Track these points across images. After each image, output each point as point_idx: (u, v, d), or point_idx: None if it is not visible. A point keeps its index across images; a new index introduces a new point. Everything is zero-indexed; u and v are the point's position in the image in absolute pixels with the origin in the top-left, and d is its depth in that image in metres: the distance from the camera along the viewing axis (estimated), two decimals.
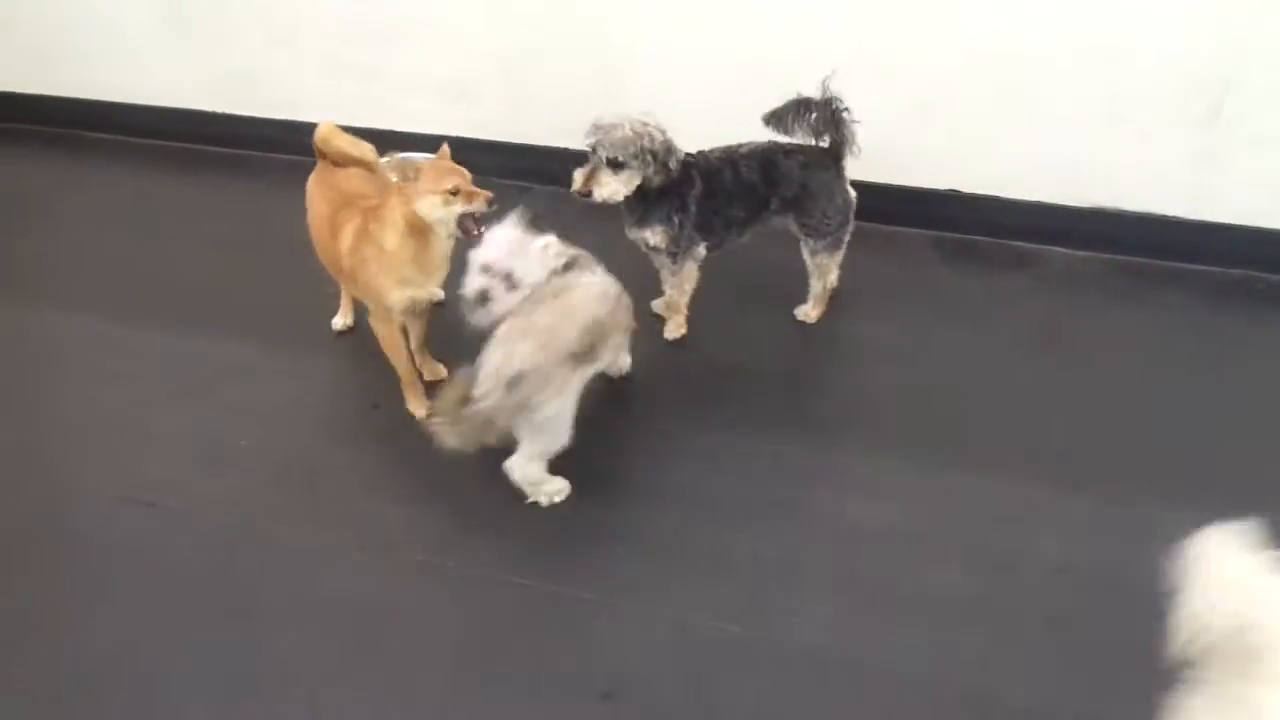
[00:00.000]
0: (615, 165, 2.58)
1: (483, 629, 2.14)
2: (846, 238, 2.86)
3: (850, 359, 2.86)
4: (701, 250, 2.82)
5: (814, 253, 2.85)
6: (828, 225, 2.79)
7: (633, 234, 2.79)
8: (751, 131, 2.73)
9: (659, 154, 2.60)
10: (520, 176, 3.63)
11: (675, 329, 2.93)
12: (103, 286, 3.28)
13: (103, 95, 4.18)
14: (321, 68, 3.77)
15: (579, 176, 2.64)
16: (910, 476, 2.40)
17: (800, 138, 2.73)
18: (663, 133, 2.62)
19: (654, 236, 2.74)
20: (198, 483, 2.49)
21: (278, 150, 3.91)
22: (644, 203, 2.70)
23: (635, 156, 2.57)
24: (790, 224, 2.82)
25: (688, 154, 2.71)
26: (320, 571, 2.26)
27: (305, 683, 2.02)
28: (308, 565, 2.27)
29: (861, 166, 2.76)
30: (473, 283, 2.38)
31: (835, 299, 2.95)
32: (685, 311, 2.91)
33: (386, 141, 3.66)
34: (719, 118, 2.79)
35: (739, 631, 2.07)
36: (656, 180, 2.63)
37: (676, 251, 2.78)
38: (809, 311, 2.96)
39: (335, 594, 2.20)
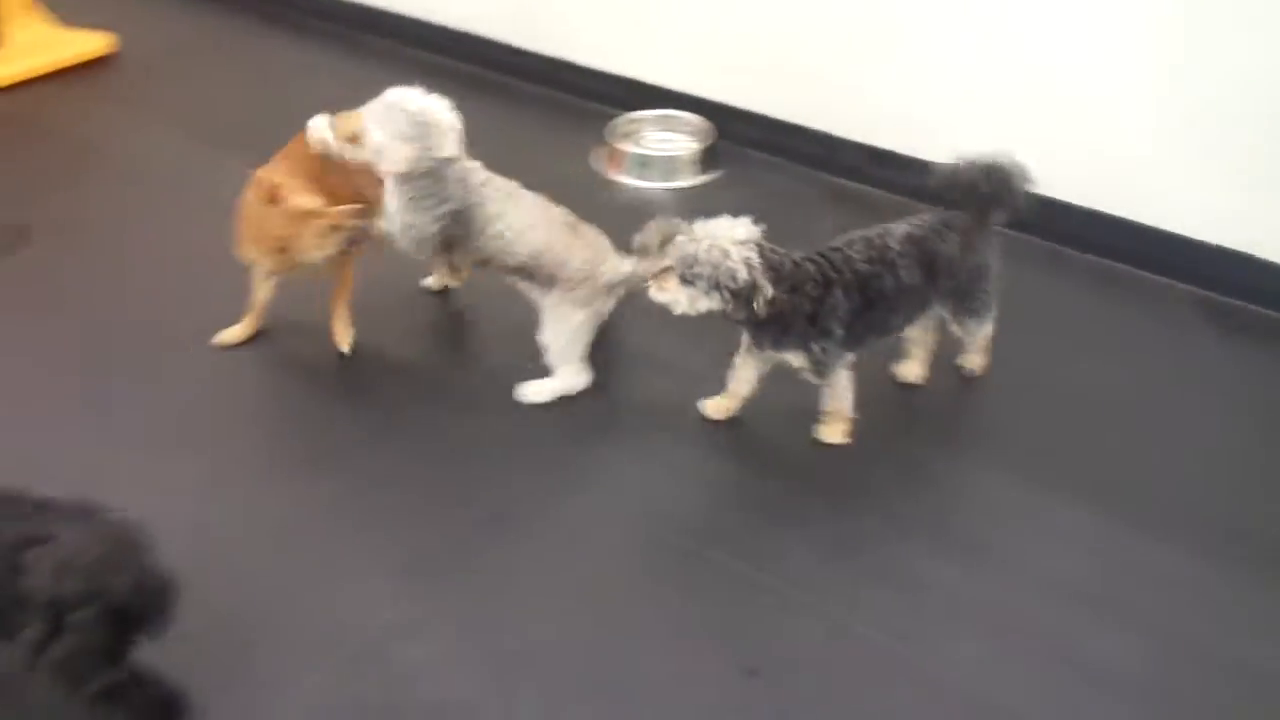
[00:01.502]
0: (685, 279, 2.24)
1: (645, 578, 2.24)
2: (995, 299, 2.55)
3: (1068, 404, 2.75)
4: (851, 357, 2.45)
5: (969, 331, 2.57)
6: (982, 303, 2.51)
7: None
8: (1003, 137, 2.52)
9: (736, 290, 2.21)
10: (771, 150, 3.68)
11: (834, 435, 2.51)
12: None
13: (392, 6, 4.45)
14: (608, 14, 3.89)
15: (652, 265, 2.31)
16: (1105, 534, 2.30)
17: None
18: (750, 267, 2.20)
19: (793, 359, 2.40)
20: None
21: (551, 85, 4.10)
22: (776, 323, 2.31)
23: (704, 280, 2.21)
24: (945, 312, 2.52)
25: (821, 257, 2.31)
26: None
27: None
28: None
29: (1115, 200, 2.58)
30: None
31: (1056, 334, 2.84)
32: (850, 419, 2.50)
33: (659, 99, 3.82)
34: (979, 123, 2.71)
35: (895, 648, 2.08)
36: (748, 313, 2.26)
37: (822, 371, 2.41)
38: (973, 359, 2.66)
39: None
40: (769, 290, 2.21)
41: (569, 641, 2.09)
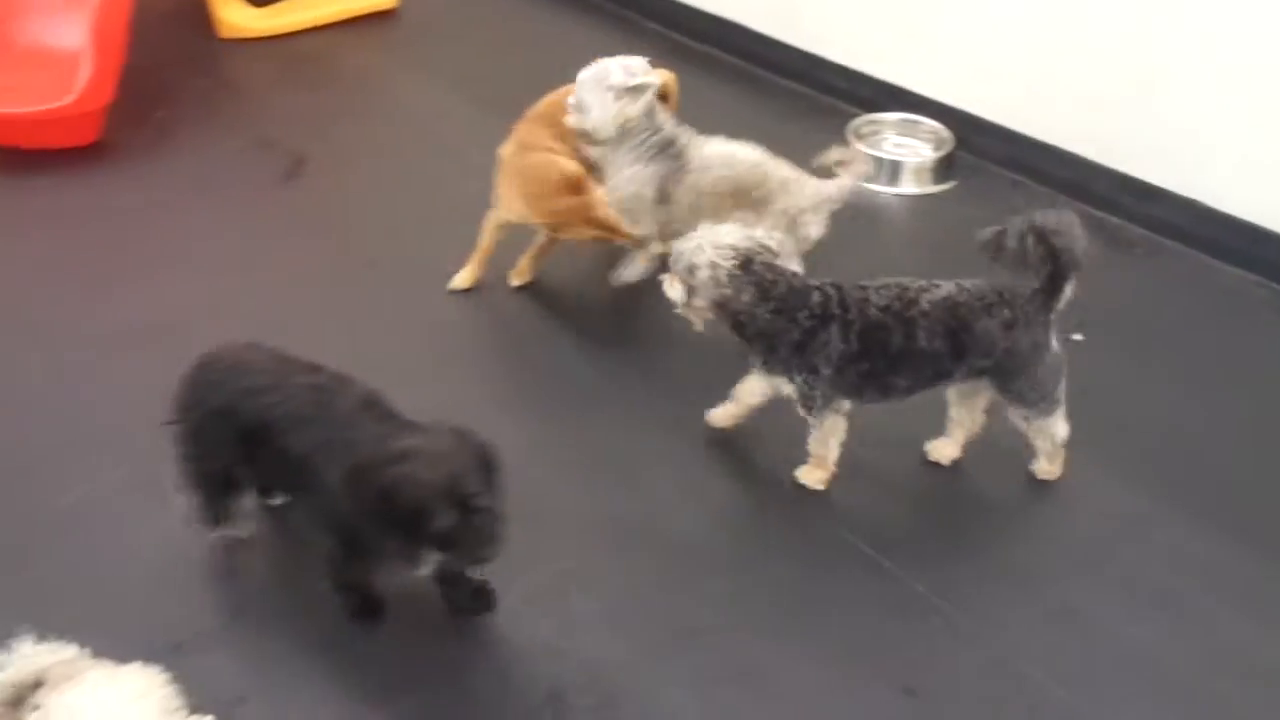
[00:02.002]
0: (680, 278, 2.23)
1: (818, 589, 2.24)
2: (1062, 394, 2.30)
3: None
4: (846, 405, 2.32)
5: (1026, 419, 2.32)
6: (1035, 393, 2.26)
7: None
8: None
9: (723, 304, 2.16)
10: (1015, 168, 3.54)
11: (810, 478, 2.39)
12: None
13: None
14: (866, 13, 3.85)
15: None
16: None
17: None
18: (718, 276, 2.13)
19: (782, 385, 2.30)
20: None
21: (800, 80, 4.10)
22: (761, 342, 2.23)
23: (697, 282, 2.17)
24: (984, 388, 2.31)
25: (835, 288, 2.20)
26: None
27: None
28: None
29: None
30: None
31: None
32: (831, 469, 2.37)
33: (903, 102, 3.76)
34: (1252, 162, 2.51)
35: (1062, 696, 2.00)
36: (731, 324, 2.21)
37: (809, 406, 2.29)
38: (1045, 468, 2.40)
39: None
40: (736, 303, 2.14)
41: (734, 626, 2.14)
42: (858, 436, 2.39)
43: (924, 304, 2.20)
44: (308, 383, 1.98)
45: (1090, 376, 2.70)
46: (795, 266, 2.35)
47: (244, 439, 2.00)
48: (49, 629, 1.71)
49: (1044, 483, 2.42)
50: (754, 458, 2.52)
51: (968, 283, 2.26)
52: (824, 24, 3.99)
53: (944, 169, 3.53)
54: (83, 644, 1.72)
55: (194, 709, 1.78)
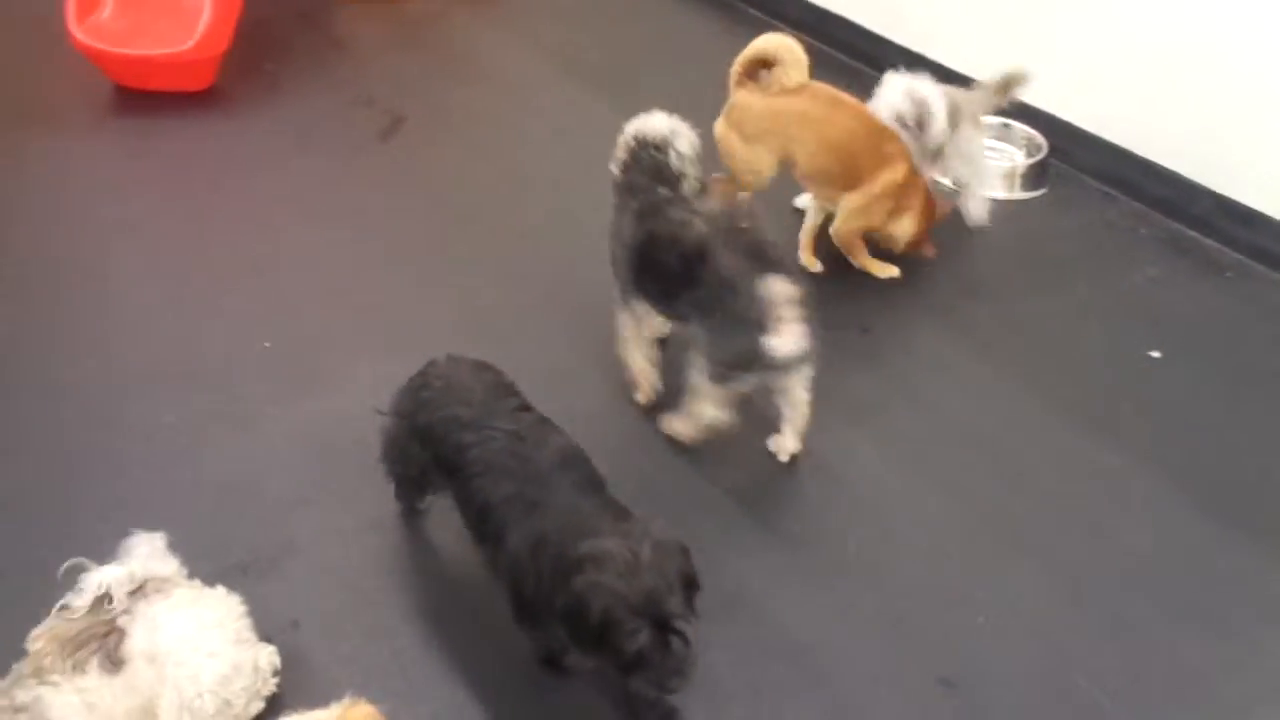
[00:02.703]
0: None
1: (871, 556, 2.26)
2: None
3: None
4: (643, 308, 2.42)
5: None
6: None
7: None
8: None
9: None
10: (1109, 181, 3.48)
11: (641, 395, 2.52)
12: None
13: None
14: (970, 14, 3.81)
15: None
16: None
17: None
18: (634, 140, 2.39)
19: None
20: None
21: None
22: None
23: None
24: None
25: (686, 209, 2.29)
26: None
27: None
28: None
29: None
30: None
31: None
32: (643, 380, 2.47)
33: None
34: None
35: (1106, 705, 1.99)
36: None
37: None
38: (784, 444, 2.42)
39: None
40: (618, 172, 2.44)
41: (777, 595, 2.17)
42: None
43: (699, 220, 2.27)
44: (508, 429, 1.88)
45: (1166, 395, 2.68)
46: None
47: (437, 464, 1.97)
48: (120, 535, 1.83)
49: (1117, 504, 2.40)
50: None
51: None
52: (930, 23, 3.95)
53: (1035, 176, 3.48)
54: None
55: (253, 626, 1.90)
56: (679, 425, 2.45)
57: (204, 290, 2.92)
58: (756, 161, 2.89)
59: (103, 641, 1.62)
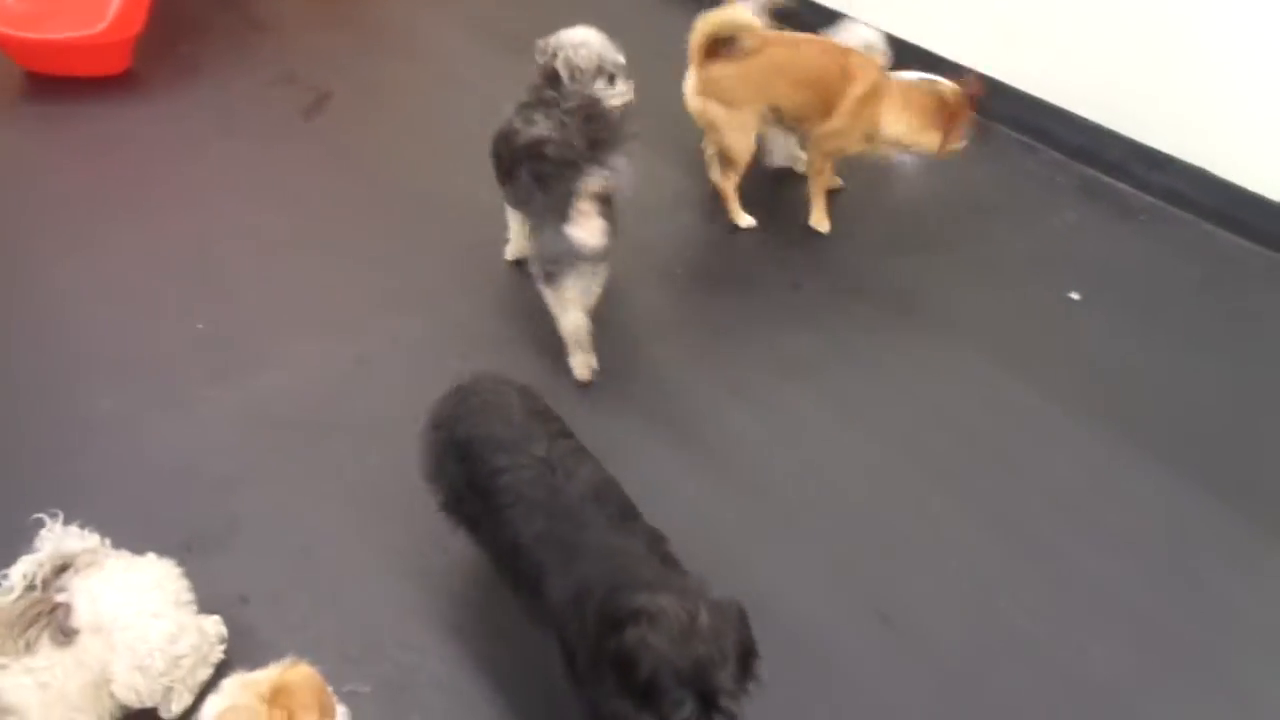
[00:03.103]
0: None
1: (811, 501, 2.34)
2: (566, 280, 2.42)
3: None
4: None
5: None
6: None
7: None
8: None
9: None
10: (1026, 131, 3.56)
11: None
12: None
13: None
14: None
15: None
16: None
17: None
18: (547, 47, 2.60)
19: None
20: None
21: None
22: None
23: None
24: None
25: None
26: None
27: None
28: None
29: None
30: None
31: None
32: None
33: (921, 62, 3.76)
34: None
35: (1028, 626, 2.09)
36: None
37: None
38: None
39: None
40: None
41: (723, 532, 2.22)
42: None
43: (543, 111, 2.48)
44: (540, 456, 1.81)
45: (1087, 335, 2.79)
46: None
47: (471, 485, 1.88)
48: (78, 521, 1.83)
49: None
50: None
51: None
52: None
53: None
54: (105, 537, 1.84)
55: (200, 604, 1.91)
56: (573, 364, 2.58)
57: (132, 276, 2.88)
58: (744, 123, 2.98)
59: (50, 616, 1.62)
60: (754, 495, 2.35)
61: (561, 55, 2.59)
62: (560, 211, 2.31)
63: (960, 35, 3.67)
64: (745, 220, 3.14)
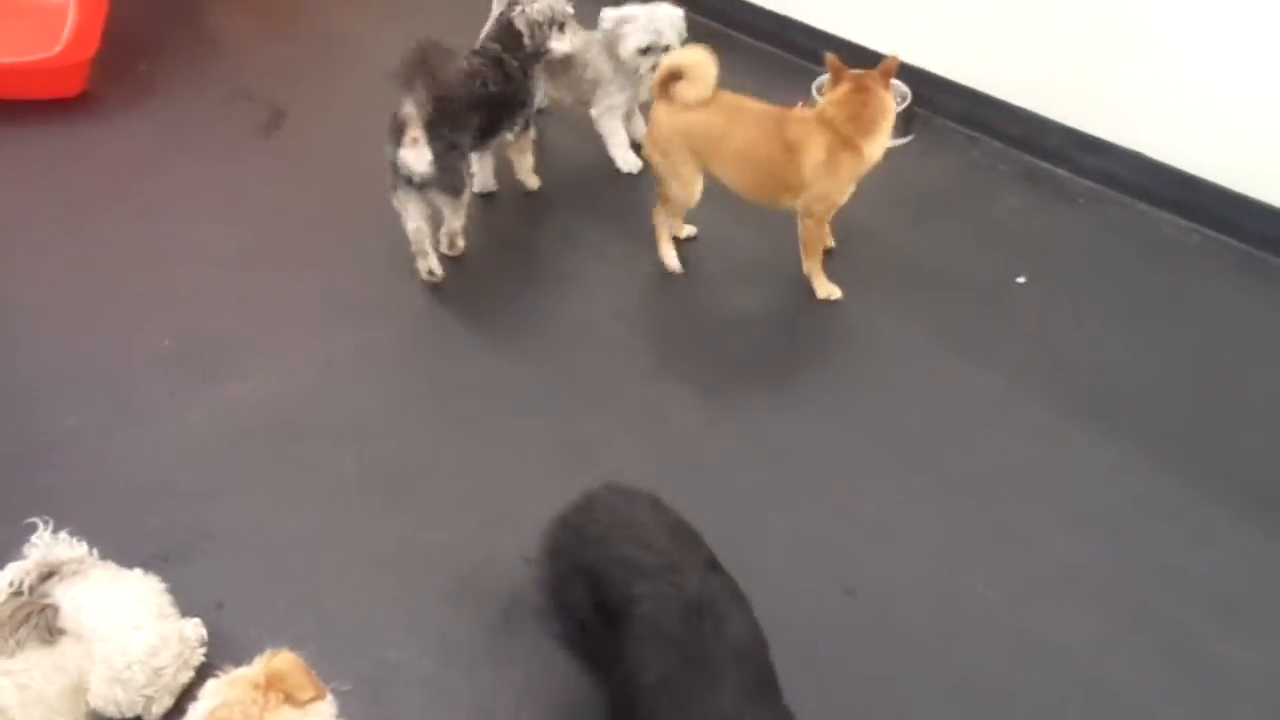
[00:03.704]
0: None
1: (781, 481, 2.41)
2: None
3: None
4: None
5: None
6: None
7: None
8: None
9: None
10: (970, 124, 3.67)
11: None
12: None
13: None
14: None
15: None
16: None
17: None
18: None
19: None
20: None
21: (769, 41, 4.21)
22: None
23: None
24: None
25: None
26: None
27: None
28: None
29: None
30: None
31: None
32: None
33: (864, 60, 3.86)
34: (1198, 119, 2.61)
35: (993, 599, 2.17)
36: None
37: None
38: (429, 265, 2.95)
39: None
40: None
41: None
42: None
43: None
44: (690, 593, 1.63)
45: (1033, 316, 2.88)
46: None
47: (600, 615, 1.71)
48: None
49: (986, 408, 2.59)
50: None
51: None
52: None
53: (902, 124, 3.64)
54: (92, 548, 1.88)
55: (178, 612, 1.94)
56: (417, 265, 2.97)
57: (93, 295, 2.90)
58: (678, 176, 2.86)
59: (40, 617, 1.65)
60: (717, 479, 2.42)
61: (518, 10, 2.97)
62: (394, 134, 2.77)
63: (898, 31, 3.77)
64: (672, 262, 3.02)
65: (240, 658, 1.88)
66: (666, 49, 3.14)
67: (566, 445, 2.49)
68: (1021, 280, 2.99)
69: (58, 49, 3.53)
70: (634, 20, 3.20)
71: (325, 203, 3.29)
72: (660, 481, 2.37)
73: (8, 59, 3.57)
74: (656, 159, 2.89)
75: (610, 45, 3.23)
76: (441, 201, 2.90)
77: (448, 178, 2.81)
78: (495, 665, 2.04)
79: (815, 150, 2.70)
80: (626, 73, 3.26)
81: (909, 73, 3.72)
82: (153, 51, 4.04)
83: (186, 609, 2.03)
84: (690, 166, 2.85)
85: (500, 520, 2.29)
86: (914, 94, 3.69)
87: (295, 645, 1.93)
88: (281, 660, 1.54)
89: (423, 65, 2.68)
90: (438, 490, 2.37)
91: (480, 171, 3.25)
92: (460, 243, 3.03)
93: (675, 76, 2.73)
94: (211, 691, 1.55)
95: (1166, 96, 3.16)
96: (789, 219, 2.88)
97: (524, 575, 2.15)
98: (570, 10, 3.14)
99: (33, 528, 1.84)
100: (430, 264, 2.93)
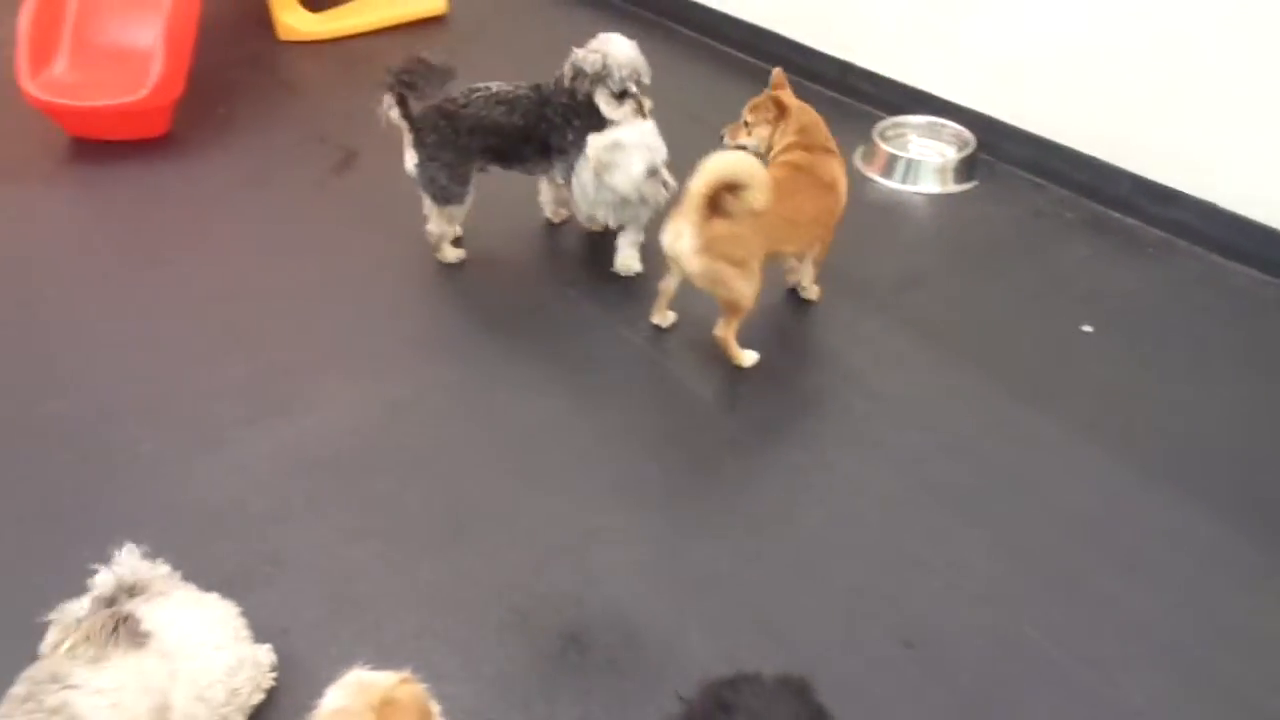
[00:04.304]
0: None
1: (834, 530, 2.40)
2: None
3: None
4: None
5: None
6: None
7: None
8: None
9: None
10: (1034, 170, 3.66)
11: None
12: None
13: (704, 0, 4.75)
14: (895, 20, 3.98)
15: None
16: None
17: None
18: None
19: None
20: None
21: (832, 86, 4.25)
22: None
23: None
24: None
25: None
26: None
27: None
28: None
29: None
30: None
31: None
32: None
33: (928, 106, 3.89)
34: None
35: (1058, 656, 2.12)
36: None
37: None
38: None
39: None
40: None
41: (748, 573, 2.29)
42: None
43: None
44: None
45: (1100, 367, 2.84)
46: None
47: None
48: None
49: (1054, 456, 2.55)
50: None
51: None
52: (854, 32, 4.13)
53: (966, 170, 3.66)
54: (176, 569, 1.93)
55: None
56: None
57: (171, 326, 3.00)
58: (753, 273, 2.70)
59: (125, 625, 1.71)
60: (773, 525, 2.41)
61: (576, 53, 3.04)
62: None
63: (962, 76, 3.79)
64: (749, 357, 2.85)
65: (305, 685, 1.92)
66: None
67: (626, 484, 2.50)
68: (1088, 329, 2.96)
69: (145, 92, 3.69)
70: (625, 146, 2.91)
71: (392, 242, 3.37)
72: (714, 526, 2.41)
73: (101, 101, 3.73)
74: (731, 274, 2.64)
75: (604, 174, 2.93)
76: (425, 201, 3.14)
77: (427, 185, 3.08)
78: (551, 702, 2.04)
79: (841, 175, 2.89)
80: (633, 198, 3.00)
81: (972, 118, 3.75)
82: (233, 96, 4.20)
83: (254, 633, 2.07)
84: (760, 258, 2.69)
85: (559, 556, 2.30)
86: (978, 140, 3.69)
87: None
88: (406, 691, 1.56)
89: (402, 77, 2.92)
90: (498, 526, 2.39)
91: (544, 200, 3.38)
92: (447, 252, 3.23)
93: (729, 189, 2.51)
94: (345, 686, 1.57)
95: (1242, 146, 3.12)
96: (854, 275, 2.88)
97: (581, 613, 2.18)
98: (641, 80, 3.03)
99: (112, 549, 1.90)
100: (443, 254, 3.22)
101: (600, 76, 3.01)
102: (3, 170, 3.72)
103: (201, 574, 2.12)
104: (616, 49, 3.04)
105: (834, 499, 2.48)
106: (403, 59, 2.94)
